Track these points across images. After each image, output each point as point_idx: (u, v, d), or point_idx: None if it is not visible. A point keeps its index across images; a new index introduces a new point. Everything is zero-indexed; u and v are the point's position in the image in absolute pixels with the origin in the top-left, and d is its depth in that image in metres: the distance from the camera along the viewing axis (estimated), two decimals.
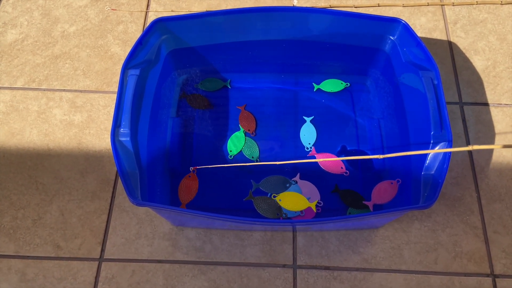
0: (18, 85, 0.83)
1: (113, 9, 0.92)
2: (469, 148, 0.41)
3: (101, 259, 0.69)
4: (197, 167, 0.74)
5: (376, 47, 0.75)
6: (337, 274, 0.69)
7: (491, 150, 0.78)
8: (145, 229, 0.72)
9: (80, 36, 0.88)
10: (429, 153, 0.60)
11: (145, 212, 0.73)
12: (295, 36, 0.76)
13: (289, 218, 0.70)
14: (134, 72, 0.65)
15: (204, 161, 0.77)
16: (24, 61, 0.86)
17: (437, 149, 0.59)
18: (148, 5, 0.93)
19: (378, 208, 0.71)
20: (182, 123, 0.79)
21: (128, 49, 0.87)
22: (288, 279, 0.69)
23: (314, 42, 0.77)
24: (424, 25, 0.91)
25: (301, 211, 0.71)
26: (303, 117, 0.80)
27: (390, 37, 0.71)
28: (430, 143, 0.60)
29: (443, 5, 0.94)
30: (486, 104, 0.82)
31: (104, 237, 0.71)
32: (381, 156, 0.49)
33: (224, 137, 0.79)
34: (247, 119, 0.80)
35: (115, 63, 0.86)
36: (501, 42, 0.89)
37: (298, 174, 0.74)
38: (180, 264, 0.69)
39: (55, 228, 0.71)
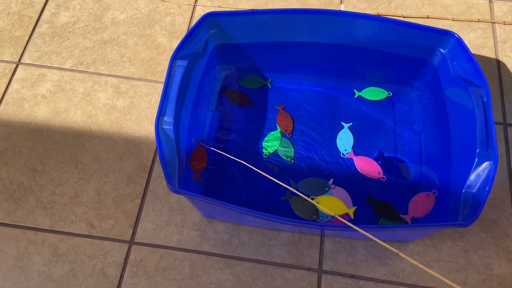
0: (67, 66, 0.86)
1: (163, 1, 0.94)
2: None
3: (131, 242, 0.71)
4: (201, 142, 0.74)
5: (424, 59, 0.74)
6: (363, 283, 0.68)
7: None
8: (175, 217, 0.73)
9: (129, 24, 0.91)
10: (472, 172, 0.58)
11: (177, 200, 0.74)
12: (340, 41, 0.76)
13: (321, 222, 0.70)
14: (181, 63, 0.66)
15: (239, 156, 0.77)
16: (74, 43, 0.88)
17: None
18: None
19: (415, 221, 0.70)
20: (221, 117, 0.80)
21: (174, 41, 0.89)
22: (313, 283, 0.68)
23: (359, 48, 0.77)
24: (473, 41, 0.89)
25: (332, 217, 0.70)
26: (342, 122, 0.80)
27: (441, 49, 0.70)
28: (474, 161, 0.58)
29: (494, 22, 0.91)
30: None
31: (136, 221, 0.72)
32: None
33: (260, 135, 0.79)
34: (285, 119, 0.80)
35: (160, 53, 0.88)
36: None
37: (332, 179, 0.74)
38: (207, 256, 0.70)
39: (90, 207, 0.73)
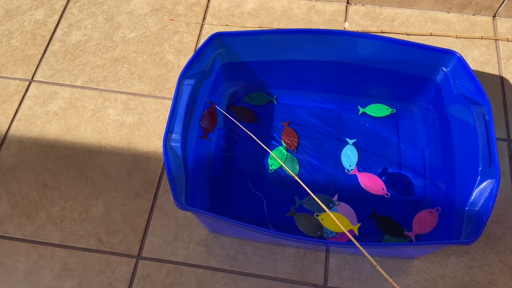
0: (78, 83, 0.88)
1: (171, 19, 0.96)
2: None
3: (139, 257, 0.72)
4: (214, 103, 0.75)
5: (426, 77, 0.75)
6: None
7: None
8: (182, 232, 0.74)
9: (138, 42, 0.93)
10: (475, 189, 0.59)
11: (184, 216, 0.75)
12: (345, 59, 0.78)
13: (325, 238, 0.71)
14: (189, 82, 0.68)
15: (245, 172, 0.79)
16: (86, 61, 0.91)
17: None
18: (204, 18, 0.97)
19: (419, 238, 0.70)
20: (227, 134, 0.82)
21: (182, 58, 0.91)
22: None
23: (363, 66, 0.78)
24: (477, 58, 0.90)
25: (337, 233, 0.71)
26: (346, 139, 0.81)
27: (443, 68, 0.71)
28: (476, 178, 0.59)
29: (497, 39, 0.92)
30: None
31: (143, 235, 0.74)
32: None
33: (265, 151, 0.81)
34: (290, 135, 0.82)
35: (169, 70, 0.90)
36: None
37: (336, 196, 0.75)
38: (213, 271, 0.71)
39: (99, 222, 0.75)
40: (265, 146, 0.81)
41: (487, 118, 0.62)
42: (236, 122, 0.73)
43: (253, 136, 0.65)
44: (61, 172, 0.79)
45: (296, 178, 0.57)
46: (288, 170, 0.63)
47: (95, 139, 0.82)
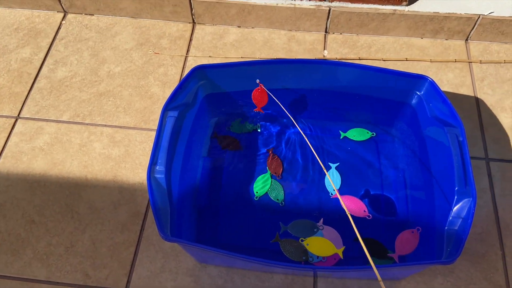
0: (64, 118, 0.90)
1: (156, 53, 0.99)
2: None
3: None
4: (262, 85, 0.76)
5: (402, 101, 0.78)
6: None
7: None
8: (169, 263, 0.74)
9: (124, 76, 0.95)
10: (453, 209, 0.60)
11: (171, 246, 0.75)
12: (325, 86, 0.80)
13: (311, 263, 0.71)
14: (172, 114, 0.69)
15: (231, 200, 0.79)
16: (71, 96, 0.93)
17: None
18: (188, 50, 1.00)
19: (402, 259, 0.71)
20: (212, 163, 0.83)
21: (167, 90, 0.93)
22: None
23: (342, 93, 0.81)
24: (451, 80, 0.93)
25: (323, 257, 0.72)
26: (329, 163, 0.82)
27: (417, 92, 0.74)
28: (454, 198, 0.61)
29: (471, 62, 0.96)
30: None
31: (130, 268, 0.74)
32: None
33: (251, 178, 0.82)
34: (275, 162, 0.83)
35: (154, 102, 0.92)
36: None
37: (322, 220, 0.76)
38: None
39: (85, 257, 0.75)
40: (250, 173, 0.83)
41: (460, 139, 0.64)
42: (279, 103, 0.74)
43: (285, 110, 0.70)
44: (47, 208, 0.80)
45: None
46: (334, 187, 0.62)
47: (81, 173, 0.83)
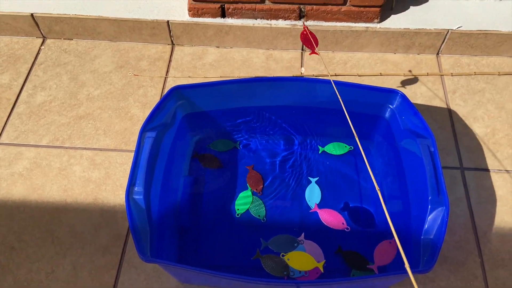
0: (43, 143, 0.89)
1: (136, 75, 1.00)
2: None
3: None
4: (307, 27, 0.77)
5: (377, 114, 0.80)
6: None
7: (493, 215, 0.79)
8: (152, 285, 0.73)
9: (103, 99, 0.96)
10: (428, 217, 0.62)
11: (153, 268, 0.75)
12: (302, 102, 0.82)
13: (293, 278, 0.72)
14: (150, 135, 0.70)
15: (213, 218, 0.80)
16: (51, 121, 0.93)
17: None
18: (167, 71, 1.01)
19: (382, 269, 0.72)
20: (193, 181, 0.83)
21: (147, 111, 0.94)
22: None
23: (319, 108, 0.83)
24: (425, 93, 0.96)
25: (306, 271, 0.72)
26: (309, 178, 0.84)
27: (390, 105, 0.76)
28: (428, 207, 0.62)
29: (442, 75, 0.99)
30: (487, 170, 0.85)
31: None
32: None
33: (232, 195, 0.82)
34: (255, 178, 0.84)
35: (134, 123, 0.92)
36: (499, 111, 0.93)
37: (303, 234, 0.76)
38: None
39: (66, 282, 0.74)
40: (231, 190, 0.83)
41: (432, 149, 0.66)
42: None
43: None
44: (27, 233, 0.79)
45: None
46: None
47: (61, 197, 0.82)
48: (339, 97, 0.67)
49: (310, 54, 0.80)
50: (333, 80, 0.78)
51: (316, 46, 0.79)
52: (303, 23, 0.76)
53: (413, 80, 0.98)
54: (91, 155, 0.88)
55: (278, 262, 0.72)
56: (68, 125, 0.92)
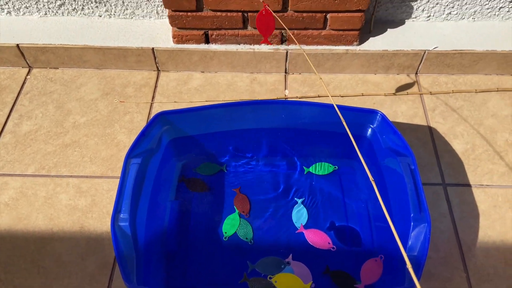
0: (29, 172, 0.89)
1: (121, 101, 1.01)
2: None
3: None
4: (266, 4, 0.64)
5: (359, 134, 0.81)
6: None
7: (477, 230, 0.81)
8: None
9: (89, 126, 0.97)
10: (411, 234, 0.63)
11: None
12: (286, 124, 0.84)
13: None
14: (136, 161, 0.71)
15: (200, 243, 0.80)
16: (36, 149, 0.93)
17: None
18: (153, 97, 1.02)
19: None
20: (180, 206, 0.84)
21: (133, 137, 0.95)
22: None
23: (303, 130, 0.85)
24: (405, 112, 0.99)
25: None
26: (295, 198, 0.84)
27: (370, 125, 0.78)
28: (410, 224, 0.63)
29: (422, 94, 1.02)
30: (468, 185, 0.87)
31: None
32: None
33: (220, 218, 0.83)
34: (242, 201, 0.85)
35: (120, 150, 0.93)
36: (478, 127, 0.96)
37: (291, 255, 0.77)
38: None
39: None
40: (219, 214, 0.84)
41: (412, 167, 0.68)
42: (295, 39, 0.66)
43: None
44: (13, 264, 0.78)
45: None
46: None
47: (47, 226, 0.82)
48: (339, 114, 0.68)
49: (261, 43, 0.65)
50: (315, 102, 0.80)
51: (271, 33, 0.66)
52: (262, 1, 0.61)
53: (394, 100, 1.01)
54: (77, 182, 0.88)
55: (266, 285, 0.72)
56: (54, 154, 0.92)
